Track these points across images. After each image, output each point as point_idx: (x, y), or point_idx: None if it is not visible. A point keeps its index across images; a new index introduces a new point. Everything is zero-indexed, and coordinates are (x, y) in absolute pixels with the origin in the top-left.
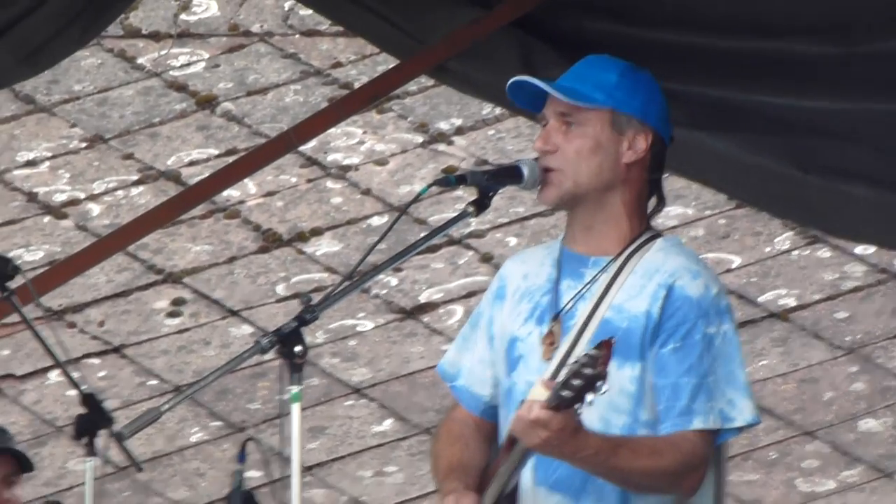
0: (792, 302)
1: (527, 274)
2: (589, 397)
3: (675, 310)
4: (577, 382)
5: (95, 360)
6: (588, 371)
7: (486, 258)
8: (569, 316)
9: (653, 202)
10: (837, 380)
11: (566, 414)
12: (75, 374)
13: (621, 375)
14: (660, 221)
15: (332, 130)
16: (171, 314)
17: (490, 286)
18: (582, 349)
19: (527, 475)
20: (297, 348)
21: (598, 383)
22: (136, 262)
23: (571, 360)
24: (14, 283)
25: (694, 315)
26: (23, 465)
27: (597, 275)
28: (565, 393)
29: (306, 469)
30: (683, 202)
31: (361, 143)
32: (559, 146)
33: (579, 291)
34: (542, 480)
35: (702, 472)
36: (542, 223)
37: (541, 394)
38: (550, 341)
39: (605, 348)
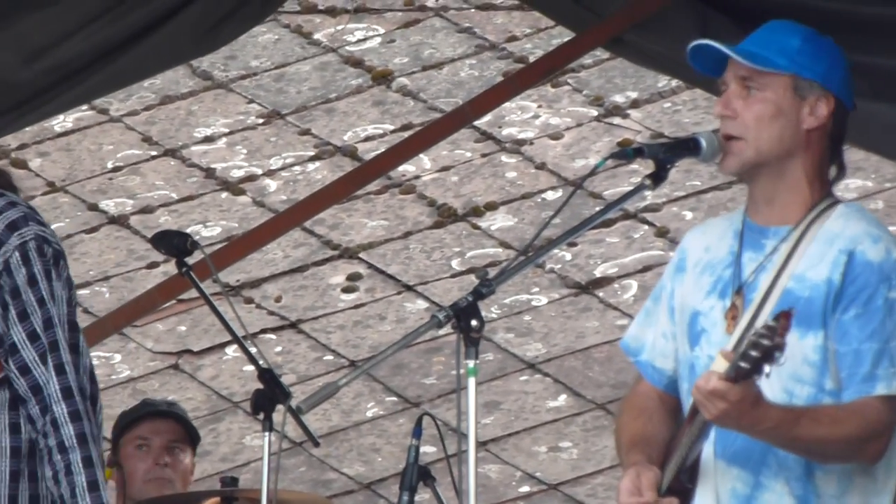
0: None
1: (708, 246)
2: (767, 368)
3: (856, 275)
4: (755, 353)
5: (272, 336)
6: (766, 342)
7: (662, 232)
8: (751, 288)
9: (833, 170)
10: None
11: (745, 385)
12: (252, 350)
13: (804, 345)
14: (839, 194)
15: (507, 104)
16: (347, 289)
17: (671, 259)
18: (763, 321)
19: (707, 448)
20: (473, 323)
21: (777, 354)
22: (313, 238)
23: (751, 332)
24: (192, 259)
25: (875, 280)
26: (189, 434)
27: (777, 245)
28: (743, 364)
29: (481, 444)
30: (863, 174)
31: (536, 116)
32: (739, 112)
33: (760, 263)
34: (721, 453)
35: (886, 438)
36: (720, 196)
37: (721, 365)
38: (733, 315)
39: (783, 319)
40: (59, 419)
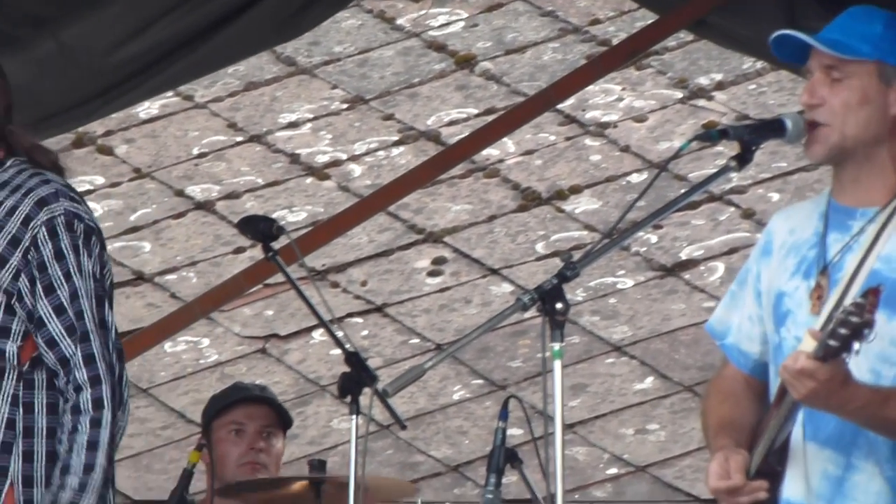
0: None
1: (793, 228)
2: (856, 346)
3: None
4: (843, 331)
5: (358, 319)
6: (855, 319)
7: (748, 214)
8: (836, 268)
9: None
10: None
11: (834, 364)
12: (339, 333)
13: (892, 327)
14: None
15: (591, 88)
16: (432, 273)
17: (757, 242)
18: (850, 301)
19: (797, 431)
20: (559, 306)
21: (866, 331)
22: (398, 222)
23: (839, 310)
24: (278, 244)
25: None
26: (282, 418)
27: (864, 226)
28: (832, 342)
29: (568, 426)
30: None
31: (620, 99)
32: (825, 99)
33: (846, 243)
34: (811, 436)
35: None
36: (806, 178)
37: (809, 345)
38: (818, 295)
39: (871, 296)
40: (80, 384)
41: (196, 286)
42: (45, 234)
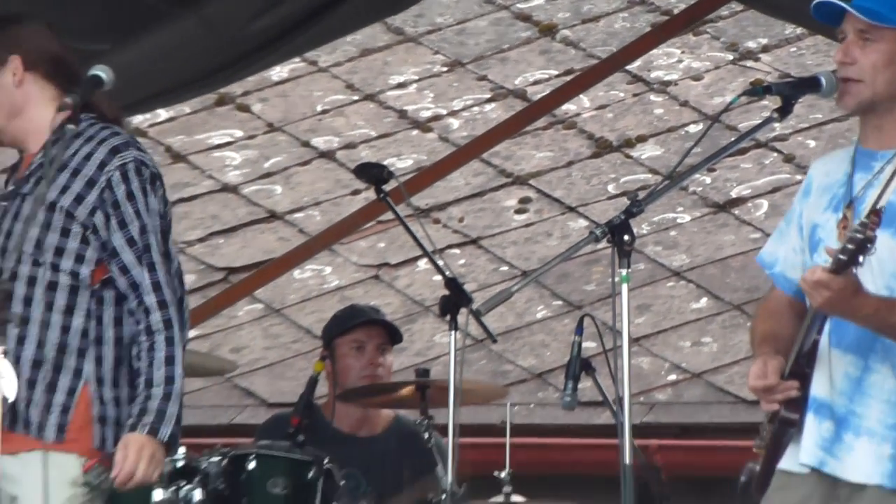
0: None
1: (828, 171)
2: (861, 258)
3: None
4: (851, 247)
5: (456, 251)
6: (859, 236)
7: (789, 158)
8: (860, 202)
9: None
10: None
11: (845, 276)
12: (440, 262)
13: None
14: None
15: (655, 51)
16: (519, 211)
17: (801, 185)
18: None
19: (823, 339)
20: (626, 238)
21: (868, 246)
22: (490, 168)
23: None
24: (388, 187)
25: None
26: (393, 336)
27: (884, 166)
28: (842, 256)
29: (634, 340)
30: None
31: (680, 61)
32: (857, 59)
33: (869, 181)
34: (835, 343)
35: None
36: (839, 127)
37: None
38: (844, 225)
39: (873, 216)
40: (150, 307)
41: (319, 223)
42: (119, 177)
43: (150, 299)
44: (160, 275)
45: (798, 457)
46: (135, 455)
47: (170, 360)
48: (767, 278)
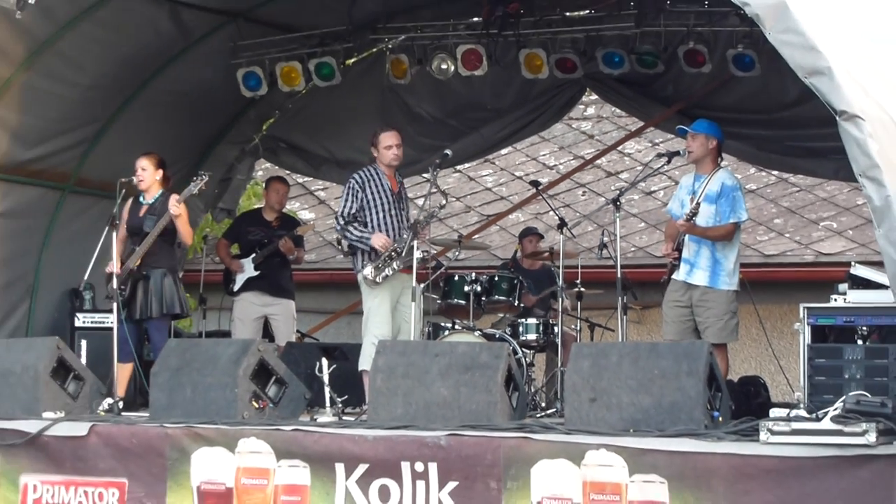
0: None
1: (688, 181)
2: (695, 215)
3: None
4: (692, 212)
5: None
6: (694, 208)
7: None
8: (697, 194)
9: (720, 160)
10: None
11: (690, 221)
12: None
13: (705, 209)
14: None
15: None
16: None
17: (678, 186)
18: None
19: (686, 238)
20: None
21: (696, 211)
22: None
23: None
24: None
25: None
26: None
27: (704, 181)
28: (690, 213)
29: None
30: None
31: None
32: (691, 145)
33: (699, 185)
34: (688, 239)
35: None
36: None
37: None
38: (692, 200)
39: (696, 203)
40: None
41: None
42: None
43: None
44: None
45: (676, 275)
46: None
47: None
48: (671, 216)
